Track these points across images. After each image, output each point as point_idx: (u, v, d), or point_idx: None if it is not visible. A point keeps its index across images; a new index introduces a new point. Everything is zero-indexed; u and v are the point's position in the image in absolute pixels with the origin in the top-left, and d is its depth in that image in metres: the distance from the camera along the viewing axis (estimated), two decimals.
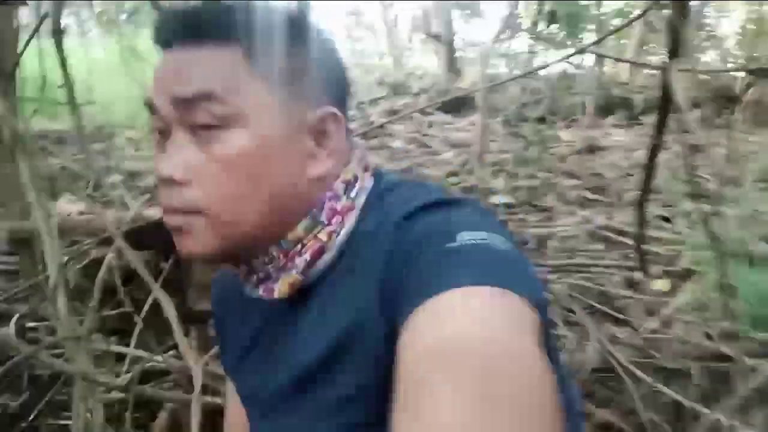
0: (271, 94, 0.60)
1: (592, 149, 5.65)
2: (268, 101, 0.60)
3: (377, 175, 0.70)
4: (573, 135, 5.94)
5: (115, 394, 1.65)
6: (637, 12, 8.21)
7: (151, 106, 0.62)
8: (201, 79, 0.58)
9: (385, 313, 0.56)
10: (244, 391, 0.78)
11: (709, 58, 12.21)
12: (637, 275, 2.52)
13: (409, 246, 0.57)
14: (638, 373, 1.84)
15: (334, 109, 0.64)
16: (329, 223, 0.64)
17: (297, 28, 0.62)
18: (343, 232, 0.64)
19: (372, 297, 0.58)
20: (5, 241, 2.59)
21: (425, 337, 0.46)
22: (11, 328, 1.93)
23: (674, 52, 1.07)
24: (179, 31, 0.60)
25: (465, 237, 0.54)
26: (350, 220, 0.65)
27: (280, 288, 0.65)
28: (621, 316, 2.33)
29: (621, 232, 3.23)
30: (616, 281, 2.61)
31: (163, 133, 0.62)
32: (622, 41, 9.61)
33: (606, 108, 7.08)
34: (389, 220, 0.61)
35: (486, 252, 0.53)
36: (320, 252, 0.64)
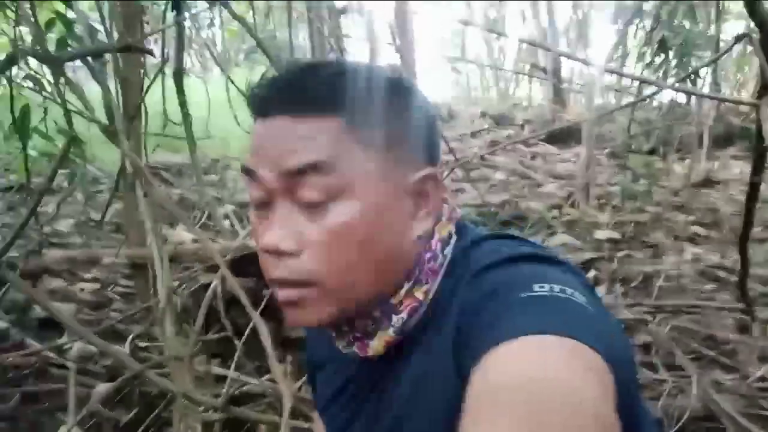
0: (374, 162, 0.60)
1: (708, 183, 5.36)
2: (372, 169, 0.60)
3: (462, 227, 0.70)
4: (687, 168, 5.66)
5: (213, 414, 1.75)
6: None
7: (249, 174, 0.62)
8: (308, 151, 0.59)
9: (457, 362, 0.56)
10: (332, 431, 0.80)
11: None
12: (748, 318, 2.35)
13: (482, 295, 0.57)
14: (746, 423, 1.71)
15: (433, 170, 0.64)
16: (427, 281, 0.65)
17: (396, 93, 0.64)
18: (432, 290, 0.65)
19: (449, 349, 0.58)
20: (126, 265, 2.82)
21: (489, 376, 0.47)
22: (126, 347, 2.10)
23: (766, 87, 1.03)
24: (280, 103, 0.61)
25: (542, 287, 0.54)
26: (438, 277, 0.65)
27: (376, 346, 0.66)
28: (728, 362, 2.18)
29: (735, 271, 3.03)
30: (726, 324, 2.45)
31: (264, 203, 0.62)
32: (745, 68, 9.06)
33: (725, 139, 6.70)
34: (469, 274, 0.61)
35: (560, 303, 0.53)
36: (416, 310, 0.65)
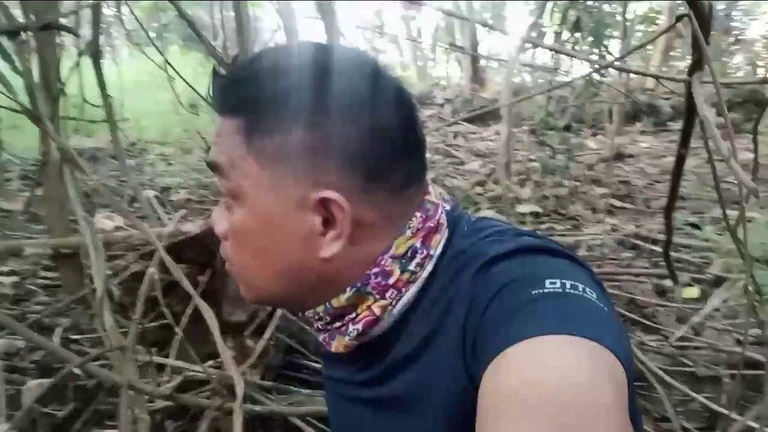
0: (268, 173, 0.58)
1: (619, 157, 5.64)
2: (264, 181, 0.58)
3: (456, 220, 0.66)
4: (600, 143, 5.92)
5: (159, 403, 1.71)
6: (661, 19, 8.15)
7: None
8: (216, 149, 0.61)
9: (466, 361, 0.55)
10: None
11: (737, 60, 12.07)
12: (667, 283, 2.52)
13: (491, 292, 0.54)
14: (670, 380, 1.84)
15: (334, 195, 0.57)
16: (383, 297, 0.61)
17: (303, 102, 0.57)
18: (402, 302, 0.62)
19: (453, 347, 0.56)
20: (47, 256, 2.69)
21: (508, 380, 0.46)
22: (56, 340, 2.01)
23: (698, 64, 1.09)
24: (213, 99, 0.62)
25: (554, 284, 0.52)
26: (413, 289, 0.62)
27: (336, 346, 0.65)
28: (651, 324, 2.33)
29: (650, 240, 3.22)
30: (646, 289, 2.61)
31: None
32: (648, 48, 9.55)
33: (633, 115, 7.05)
34: (469, 271, 0.58)
35: (574, 300, 0.51)
36: (373, 323, 0.62)
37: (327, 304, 0.63)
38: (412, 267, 0.61)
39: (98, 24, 2.36)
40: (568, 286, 0.51)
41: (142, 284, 1.72)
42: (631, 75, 7.06)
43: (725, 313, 2.37)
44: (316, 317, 0.65)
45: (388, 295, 0.61)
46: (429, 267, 0.62)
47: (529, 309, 0.50)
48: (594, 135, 6.43)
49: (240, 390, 1.28)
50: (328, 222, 0.59)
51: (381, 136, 0.58)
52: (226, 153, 0.59)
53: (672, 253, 2.38)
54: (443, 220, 0.64)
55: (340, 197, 0.57)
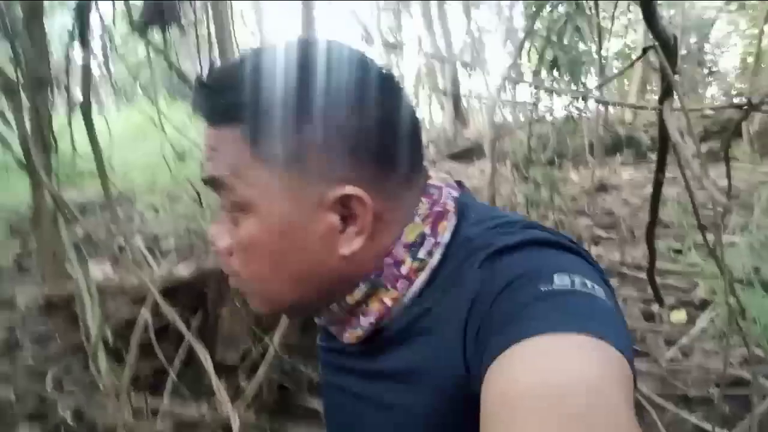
0: (279, 177, 0.56)
1: (602, 188, 5.73)
2: (275, 186, 0.56)
3: (463, 207, 0.63)
4: (582, 176, 6.03)
5: None
6: (635, 55, 8.38)
7: None
8: (212, 164, 0.58)
9: (466, 351, 0.54)
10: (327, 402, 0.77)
11: (712, 92, 12.39)
12: (655, 308, 2.55)
13: (498, 284, 0.53)
14: (661, 401, 1.86)
15: (355, 190, 0.56)
16: (395, 288, 0.60)
17: (307, 101, 0.55)
18: (413, 290, 0.60)
19: (455, 338, 0.55)
20: (38, 307, 2.69)
21: (516, 378, 0.44)
22: (48, 385, 2.01)
23: (667, 92, 1.15)
24: (200, 109, 0.58)
25: (563, 280, 0.50)
26: (422, 277, 0.60)
27: (348, 338, 0.64)
28: (641, 350, 2.35)
29: (635, 267, 3.27)
30: (634, 314, 2.65)
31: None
32: (625, 81, 9.80)
33: (613, 147, 7.19)
34: (476, 259, 0.57)
35: (583, 298, 0.49)
36: (386, 315, 0.61)
37: (342, 301, 0.61)
38: (421, 255, 0.60)
39: (89, 79, 2.43)
40: (576, 282, 0.50)
41: (135, 327, 1.73)
42: (610, 110, 7.23)
43: (712, 334, 2.41)
44: (330, 316, 0.64)
45: (399, 285, 0.60)
46: (437, 255, 0.60)
47: (537, 305, 0.49)
48: (576, 168, 6.54)
49: (236, 425, 1.30)
50: (345, 218, 0.57)
51: (384, 123, 0.57)
52: (227, 164, 0.56)
53: (657, 278, 2.42)
54: (450, 205, 0.62)
55: (361, 192, 0.56)
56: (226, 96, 0.56)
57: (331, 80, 0.55)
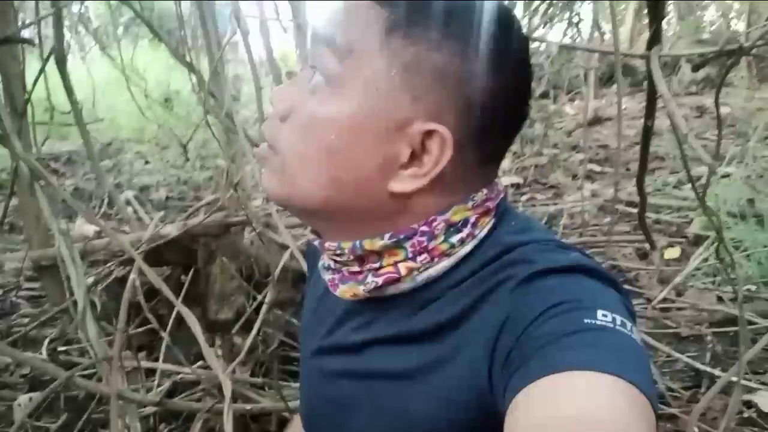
0: (390, 76, 0.53)
1: (597, 121, 5.65)
2: (383, 81, 0.53)
3: (505, 212, 0.62)
4: (577, 108, 5.94)
5: (150, 409, 1.72)
6: None
7: None
8: (335, 23, 0.55)
9: (495, 364, 0.52)
10: (303, 352, 0.75)
11: (710, 14, 12.09)
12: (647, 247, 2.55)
13: (538, 308, 0.51)
14: (653, 342, 1.88)
15: (443, 129, 0.53)
16: (413, 258, 0.58)
17: (457, 24, 0.53)
18: (429, 271, 0.58)
19: (488, 344, 0.53)
20: (30, 267, 2.67)
21: (549, 415, 0.44)
22: (44, 353, 2.01)
23: (655, 38, 1.10)
24: None
25: (605, 315, 0.49)
26: (445, 263, 0.58)
27: (343, 292, 0.61)
28: (634, 289, 2.36)
29: (630, 203, 3.25)
30: (628, 254, 2.64)
31: None
32: (622, 8, 9.53)
33: (609, 77, 7.05)
34: (514, 274, 0.55)
35: (622, 339, 0.49)
36: (394, 281, 0.59)
37: (358, 242, 0.58)
38: (454, 240, 0.58)
39: (61, 29, 2.32)
40: (618, 322, 0.49)
41: (125, 291, 1.71)
42: (605, 36, 7.05)
43: (706, 271, 2.41)
44: (337, 252, 0.60)
45: (420, 258, 0.58)
46: (468, 247, 0.58)
47: (578, 337, 0.48)
48: (571, 100, 6.43)
49: (228, 391, 1.29)
50: (413, 158, 0.55)
51: (507, 98, 0.56)
52: (355, 37, 0.54)
53: (650, 215, 2.41)
54: (493, 205, 0.61)
55: (450, 140, 0.53)
56: None
57: (489, 23, 0.53)
